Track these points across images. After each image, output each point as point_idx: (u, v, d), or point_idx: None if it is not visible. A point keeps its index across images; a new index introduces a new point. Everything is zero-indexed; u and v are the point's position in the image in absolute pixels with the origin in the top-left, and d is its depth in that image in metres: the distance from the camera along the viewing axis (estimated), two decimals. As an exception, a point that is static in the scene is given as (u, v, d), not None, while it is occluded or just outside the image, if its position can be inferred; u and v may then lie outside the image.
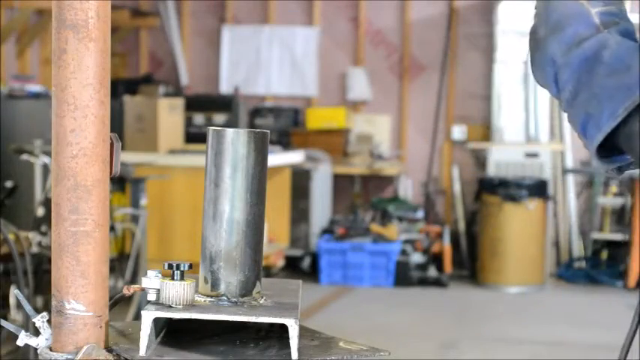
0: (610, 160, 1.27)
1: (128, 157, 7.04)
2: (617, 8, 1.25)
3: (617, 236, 9.13)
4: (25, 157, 5.94)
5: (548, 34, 1.27)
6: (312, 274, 8.80)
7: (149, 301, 1.49)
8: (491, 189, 8.77)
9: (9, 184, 6.10)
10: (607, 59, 1.19)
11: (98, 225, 1.50)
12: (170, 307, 1.47)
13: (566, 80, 1.24)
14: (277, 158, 7.86)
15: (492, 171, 9.19)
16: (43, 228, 5.40)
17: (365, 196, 9.89)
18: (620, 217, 9.26)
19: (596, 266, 9.13)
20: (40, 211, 5.63)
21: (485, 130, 9.63)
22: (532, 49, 1.31)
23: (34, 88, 7.08)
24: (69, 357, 1.49)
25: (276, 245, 8.08)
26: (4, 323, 1.55)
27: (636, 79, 1.16)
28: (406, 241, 8.76)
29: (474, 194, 9.34)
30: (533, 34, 1.31)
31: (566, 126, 9.17)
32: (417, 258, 8.69)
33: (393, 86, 9.92)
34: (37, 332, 1.54)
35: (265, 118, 9.78)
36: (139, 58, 10.57)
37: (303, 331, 1.56)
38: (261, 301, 1.57)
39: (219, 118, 9.23)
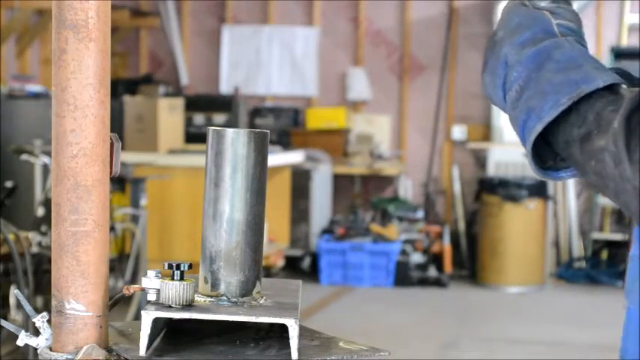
0: (545, 172, 1.27)
1: (128, 157, 7.04)
2: (577, 26, 1.27)
3: (617, 236, 9.13)
4: (25, 157, 5.94)
5: (506, 37, 1.29)
6: (312, 274, 8.80)
7: (149, 301, 1.49)
8: (491, 189, 8.77)
9: (9, 184, 6.10)
10: (558, 57, 1.21)
11: (98, 225, 1.50)
12: (170, 307, 1.47)
13: (514, 79, 1.25)
14: (277, 158, 7.86)
15: (492, 171, 9.19)
16: (43, 228, 5.41)
17: (365, 196, 9.90)
18: (620, 217, 9.27)
19: (596, 266, 9.13)
20: (40, 211, 5.63)
21: (486, 130, 9.63)
22: (487, 54, 1.33)
23: (34, 88, 7.08)
24: (69, 357, 1.49)
25: (276, 245, 8.08)
26: (4, 323, 1.55)
27: (585, 76, 1.17)
28: (406, 241, 8.76)
29: (474, 194, 9.35)
30: (491, 37, 1.33)
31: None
32: (417, 258, 8.69)
33: (393, 86, 9.92)
34: (37, 332, 1.54)
35: (265, 118, 9.78)
36: (139, 58, 10.58)
37: (303, 331, 1.56)
38: (261, 301, 1.57)
39: (219, 118, 9.23)
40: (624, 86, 1.20)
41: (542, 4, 1.28)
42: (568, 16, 1.28)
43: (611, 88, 1.19)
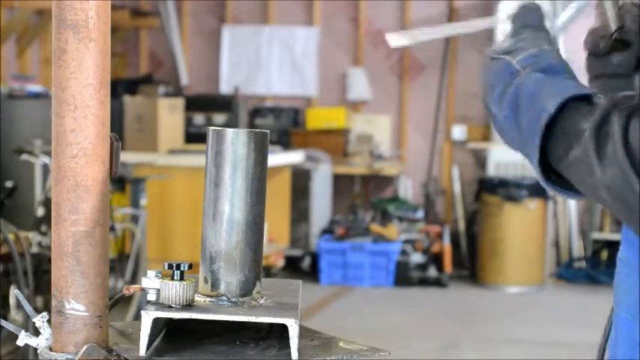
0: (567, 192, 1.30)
1: (128, 157, 7.04)
2: (537, 50, 1.32)
3: (617, 236, 9.11)
4: (25, 157, 5.94)
5: (487, 96, 1.35)
6: (312, 274, 8.80)
7: (149, 301, 1.49)
8: (491, 189, 8.77)
9: (9, 184, 6.10)
10: (523, 99, 1.26)
11: (98, 225, 1.50)
12: (170, 307, 1.47)
13: (508, 131, 1.31)
14: (277, 158, 7.86)
15: (492, 171, 9.19)
16: (43, 228, 5.41)
17: (365, 196, 9.90)
18: (620, 217, 9.26)
19: (596, 266, 9.13)
20: (40, 211, 5.63)
21: (486, 130, 9.63)
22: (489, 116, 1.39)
23: (34, 88, 7.08)
24: (69, 357, 1.49)
25: (276, 245, 8.08)
26: (4, 323, 1.55)
27: (542, 107, 1.22)
28: (406, 241, 8.76)
29: (474, 194, 9.35)
30: (484, 101, 1.39)
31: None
32: (417, 258, 8.69)
33: (393, 86, 9.92)
34: (37, 332, 1.54)
35: (265, 118, 9.78)
36: (139, 58, 10.58)
37: (303, 331, 1.56)
38: (261, 301, 1.57)
39: (219, 118, 9.23)
40: (599, 95, 1.22)
41: (505, 44, 1.34)
42: (529, 45, 1.33)
43: (588, 99, 1.21)
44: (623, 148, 1.10)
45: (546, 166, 1.26)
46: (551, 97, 1.22)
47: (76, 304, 1.49)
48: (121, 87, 9.29)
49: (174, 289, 1.47)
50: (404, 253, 8.65)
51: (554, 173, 1.26)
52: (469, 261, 9.29)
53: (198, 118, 9.23)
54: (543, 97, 1.23)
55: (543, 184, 1.28)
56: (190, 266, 1.50)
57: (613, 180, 1.11)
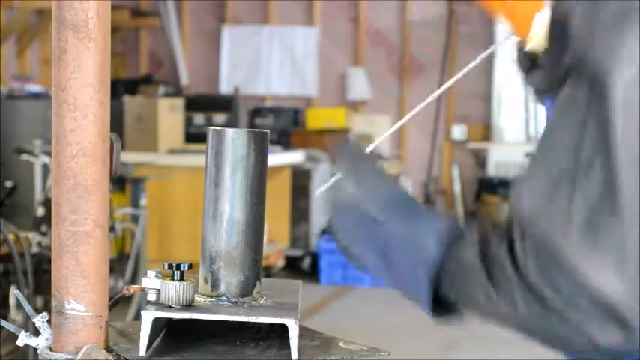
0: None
1: (128, 157, 7.04)
2: (384, 191, 1.34)
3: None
4: (25, 157, 5.94)
5: (346, 242, 1.38)
6: (312, 274, 8.80)
7: (149, 301, 1.49)
8: (491, 189, 8.78)
9: (9, 184, 6.10)
10: (394, 247, 1.28)
11: (98, 225, 1.50)
12: (170, 307, 1.47)
13: (376, 272, 1.36)
14: (277, 158, 7.86)
15: (492, 171, 9.19)
16: (43, 228, 5.41)
17: (365, 196, 9.89)
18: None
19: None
20: (40, 211, 5.63)
21: (485, 130, 9.64)
22: None
23: (34, 88, 7.08)
24: (69, 357, 1.49)
25: (276, 245, 8.08)
26: (4, 323, 1.55)
27: (423, 251, 1.23)
28: (406, 241, 8.75)
29: (474, 194, 9.35)
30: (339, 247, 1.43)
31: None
32: (417, 258, 8.68)
33: (393, 86, 9.92)
34: (37, 332, 1.54)
35: (265, 118, 9.78)
36: (139, 58, 10.58)
37: (303, 331, 1.56)
38: (261, 301, 1.57)
39: (219, 118, 9.23)
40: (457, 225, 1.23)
41: (349, 189, 1.35)
42: (372, 187, 1.34)
43: (457, 228, 1.22)
44: (515, 272, 1.10)
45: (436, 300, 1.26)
46: (425, 237, 1.23)
47: (76, 304, 1.49)
48: (121, 87, 9.29)
49: (174, 289, 1.47)
50: (404, 253, 8.65)
51: (443, 306, 1.26)
52: (469, 261, 9.29)
53: (198, 118, 9.23)
54: (418, 242, 1.24)
55: (433, 319, 1.28)
56: (190, 266, 1.50)
57: (516, 308, 1.11)
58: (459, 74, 1.40)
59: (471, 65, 1.39)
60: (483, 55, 1.37)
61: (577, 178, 1.07)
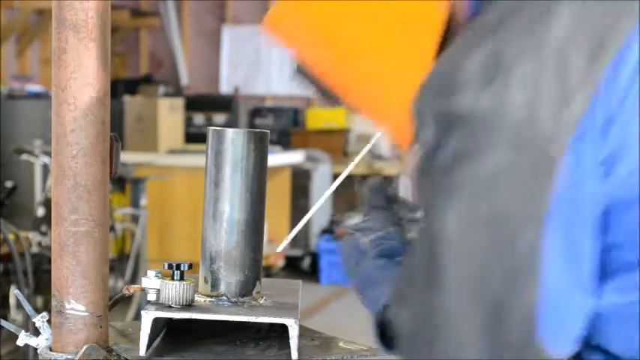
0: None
1: (128, 157, 7.04)
2: (384, 232, 1.41)
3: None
4: (25, 157, 5.94)
5: (344, 264, 1.43)
6: (312, 274, 8.79)
7: (149, 301, 1.49)
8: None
9: (9, 184, 6.10)
10: (365, 282, 1.35)
11: (98, 225, 1.50)
12: (170, 307, 1.47)
13: (358, 294, 1.40)
14: (277, 158, 7.86)
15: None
16: (43, 228, 5.40)
17: (365, 196, 9.89)
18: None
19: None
20: (40, 211, 5.63)
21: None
22: None
23: (34, 88, 7.08)
24: (69, 357, 1.49)
25: (276, 245, 8.08)
26: (4, 323, 1.55)
27: (378, 297, 1.29)
28: (406, 241, 8.75)
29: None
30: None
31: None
32: (417, 258, 8.68)
33: (393, 86, 9.92)
34: (37, 332, 1.54)
35: (265, 118, 9.78)
36: (139, 58, 10.58)
37: (303, 331, 1.56)
38: (261, 301, 1.57)
39: (219, 118, 9.23)
40: None
41: (354, 220, 1.44)
42: (377, 226, 1.42)
43: None
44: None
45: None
46: (385, 286, 1.29)
47: (76, 304, 1.49)
48: (121, 87, 9.29)
49: (174, 289, 1.47)
50: (404, 253, 8.65)
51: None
52: (469, 261, 9.29)
53: (198, 118, 9.23)
54: (381, 287, 1.31)
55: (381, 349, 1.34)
56: (190, 266, 1.50)
57: None
58: (354, 161, 1.51)
59: (362, 153, 1.49)
60: (369, 145, 1.45)
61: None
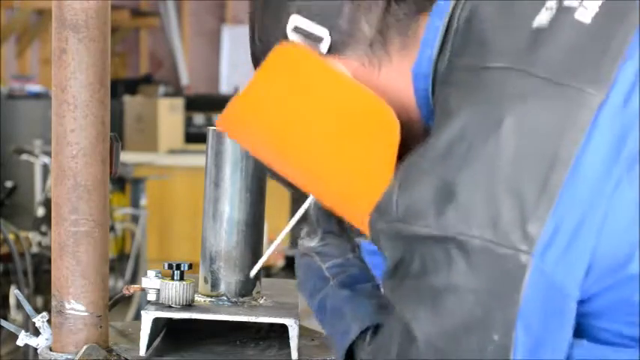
0: None
1: (128, 157, 7.04)
2: (343, 259, 1.38)
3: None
4: (25, 157, 5.94)
5: (301, 291, 1.41)
6: (312, 274, 8.80)
7: (149, 301, 1.49)
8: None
9: (9, 184, 6.10)
10: (330, 308, 1.33)
11: (98, 225, 1.50)
12: (170, 307, 1.47)
13: (317, 319, 1.38)
14: (277, 158, 7.85)
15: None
16: (43, 228, 5.41)
17: (365, 196, 9.90)
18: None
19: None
20: (40, 211, 5.63)
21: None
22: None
23: (34, 88, 7.08)
24: (69, 357, 1.49)
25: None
26: (4, 323, 1.55)
27: (348, 324, 1.27)
28: (406, 241, 8.75)
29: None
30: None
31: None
32: (417, 258, 8.69)
33: (393, 86, 9.93)
34: (37, 332, 1.54)
35: (265, 118, 9.78)
36: (139, 58, 10.58)
37: (303, 331, 1.56)
38: (261, 301, 1.57)
39: (220, 118, 9.23)
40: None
41: (312, 244, 1.40)
42: (335, 252, 1.38)
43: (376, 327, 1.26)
44: None
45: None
46: (354, 321, 1.27)
47: (76, 304, 1.49)
48: (121, 87, 9.29)
49: (174, 289, 1.47)
50: (404, 253, 8.65)
51: None
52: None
53: (198, 118, 9.23)
54: (348, 318, 1.29)
55: None
56: (190, 266, 1.50)
57: None
58: (283, 232, 1.49)
59: (290, 224, 1.47)
60: (297, 215, 1.44)
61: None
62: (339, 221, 1.38)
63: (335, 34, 1.21)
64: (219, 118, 1.32)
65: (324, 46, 1.22)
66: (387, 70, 1.23)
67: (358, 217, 1.21)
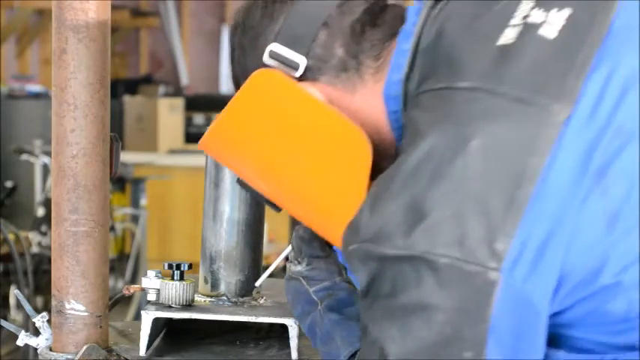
0: None
1: (128, 157, 7.04)
2: (331, 282, 1.38)
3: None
4: (25, 157, 5.94)
5: (292, 311, 1.42)
6: (312, 274, 8.80)
7: (149, 301, 1.49)
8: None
9: (9, 184, 6.10)
10: (319, 333, 1.34)
11: (98, 225, 1.50)
12: (170, 307, 1.47)
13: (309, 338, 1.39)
14: (277, 158, 7.85)
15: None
16: (43, 228, 5.41)
17: (365, 196, 9.90)
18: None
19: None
20: (40, 211, 5.63)
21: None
22: None
23: (34, 88, 7.08)
24: (69, 357, 1.49)
25: (276, 245, 8.08)
26: (4, 323, 1.55)
27: (336, 351, 1.29)
28: (406, 241, 8.75)
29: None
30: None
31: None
32: (417, 258, 8.68)
33: (393, 86, 9.93)
34: (37, 332, 1.54)
35: (265, 118, 9.78)
36: (139, 58, 10.58)
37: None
38: (261, 301, 1.57)
39: (219, 118, 9.23)
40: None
41: (299, 268, 1.40)
42: (322, 275, 1.38)
43: None
44: None
45: None
46: (343, 345, 1.29)
47: (76, 304, 1.49)
48: (121, 87, 9.29)
49: (174, 289, 1.47)
50: (404, 253, 8.65)
51: None
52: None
53: (198, 118, 9.23)
54: (337, 342, 1.30)
55: None
56: (190, 266, 1.50)
57: None
58: (276, 262, 1.48)
59: (277, 261, 1.48)
60: (284, 254, 1.45)
61: None
62: (325, 243, 1.39)
63: (310, 59, 1.25)
64: (201, 140, 1.36)
65: (300, 72, 1.26)
66: (362, 93, 1.26)
67: (336, 235, 1.22)
